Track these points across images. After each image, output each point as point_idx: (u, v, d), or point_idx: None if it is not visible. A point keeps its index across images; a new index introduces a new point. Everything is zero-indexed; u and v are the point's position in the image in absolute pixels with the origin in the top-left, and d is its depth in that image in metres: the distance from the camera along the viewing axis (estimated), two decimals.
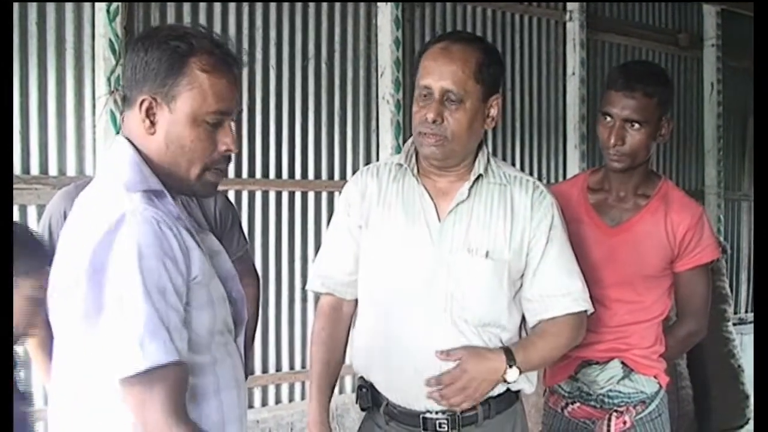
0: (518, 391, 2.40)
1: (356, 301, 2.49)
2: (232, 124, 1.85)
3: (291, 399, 4.73)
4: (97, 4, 3.98)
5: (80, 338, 1.71)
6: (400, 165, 2.40)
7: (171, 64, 1.76)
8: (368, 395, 2.42)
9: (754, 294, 6.22)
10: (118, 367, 1.64)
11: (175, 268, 1.69)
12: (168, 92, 1.77)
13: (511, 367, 2.26)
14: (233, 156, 1.91)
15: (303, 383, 4.62)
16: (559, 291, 2.35)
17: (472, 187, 2.33)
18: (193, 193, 1.92)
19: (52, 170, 3.94)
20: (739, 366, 5.96)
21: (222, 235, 2.83)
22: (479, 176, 2.34)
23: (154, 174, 1.79)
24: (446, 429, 2.31)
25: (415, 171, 2.37)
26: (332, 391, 2.49)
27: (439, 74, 2.24)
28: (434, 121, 2.23)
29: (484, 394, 2.28)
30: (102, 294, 1.64)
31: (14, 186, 3.61)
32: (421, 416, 2.33)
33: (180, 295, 1.70)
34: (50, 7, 3.93)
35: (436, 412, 2.31)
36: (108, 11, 3.95)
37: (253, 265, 3.11)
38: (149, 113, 1.78)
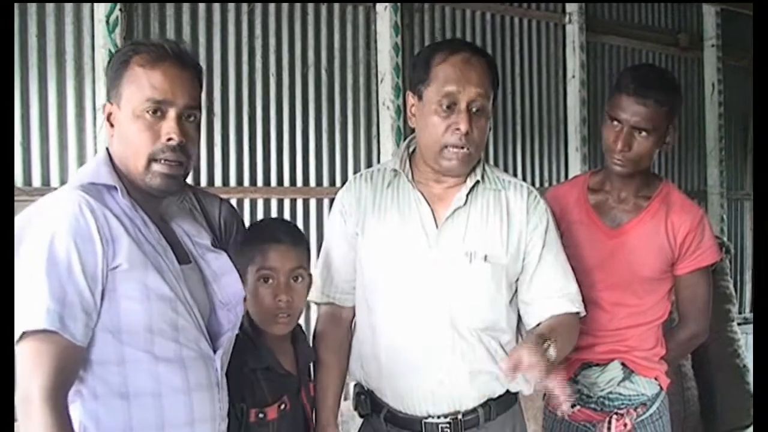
0: (516, 393, 2.41)
1: (354, 308, 2.49)
2: (172, 112, 1.89)
3: None
4: (96, 16, 3.99)
5: None
6: (395, 170, 2.40)
7: (118, 67, 1.90)
8: (367, 401, 2.43)
9: (753, 295, 6.20)
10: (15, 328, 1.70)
11: (88, 249, 1.74)
12: (117, 93, 1.90)
13: (549, 345, 2.14)
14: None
15: None
16: (557, 293, 2.36)
17: (468, 192, 2.34)
18: (147, 187, 1.92)
19: (54, 182, 3.94)
20: (744, 366, 5.94)
21: (227, 243, 2.82)
22: (476, 182, 2.35)
23: (114, 173, 1.90)
24: None
25: (410, 176, 2.38)
26: (341, 395, 2.49)
27: (466, 85, 2.25)
28: (467, 134, 2.24)
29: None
30: (17, 261, 1.73)
31: (16, 198, 3.62)
32: (422, 421, 2.33)
33: (90, 276, 1.74)
34: (50, 20, 3.95)
35: (438, 417, 2.32)
36: (107, 22, 3.97)
37: None
38: (110, 117, 1.92)
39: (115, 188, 1.87)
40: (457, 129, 2.25)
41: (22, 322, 1.68)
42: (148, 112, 1.87)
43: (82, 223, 1.76)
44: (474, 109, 2.26)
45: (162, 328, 1.83)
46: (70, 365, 1.72)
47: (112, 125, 1.92)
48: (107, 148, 1.96)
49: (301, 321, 4.70)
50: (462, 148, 2.26)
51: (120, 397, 1.78)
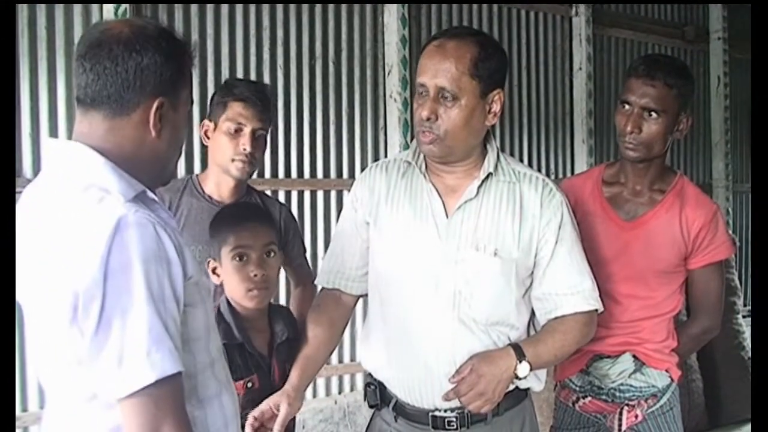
0: (527, 389, 2.41)
1: (359, 296, 2.51)
2: None
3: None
4: (105, 7, 4.01)
5: (79, 355, 1.59)
6: (409, 162, 2.41)
7: (179, 64, 1.72)
8: (376, 392, 2.43)
9: (752, 291, 6.19)
10: (122, 384, 1.54)
11: (174, 272, 1.61)
12: (176, 92, 1.73)
13: (521, 362, 2.25)
14: None
15: (314, 380, 4.64)
16: (568, 290, 2.34)
17: (480, 185, 2.32)
18: (162, 185, 1.87)
19: None
20: (749, 358, 5.97)
21: (285, 243, 2.96)
22: (488, 174, 2.33)
23: (132, 176, 1.69)
24: (455, 426, 2.32)
25: (423, 168, 2.38)
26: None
27: (434, 72, 2.23)
28: (428, 119, 2.23)
29: (502, 393, 2.28)
30: (110, 307, 1.54)
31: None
32: (430, 414, 2.33)
33: (178, 301, 1.62)
34: (59, 12, 3.97)
35: (445, 410, 2.32)
36: (116, 14, 3.98)
37: (310, 270, 3.18)
38: (162, 115, 1.71)
39: (146, 193, 1.71)
40: (421, 115, 2.26)
41: (148, 371, 1.53)
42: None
43: (161, 247, 1.59)
44: (445, 96, 2.23)
45: (212, 323, 1.79)
46: (183, 398, 1.62)
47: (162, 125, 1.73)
48: (90, 146, 1.69)
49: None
50: (429, 132, 2.25)
51: (199, 406, 1.72)
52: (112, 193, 1.63)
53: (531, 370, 2.28)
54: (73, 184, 1.66)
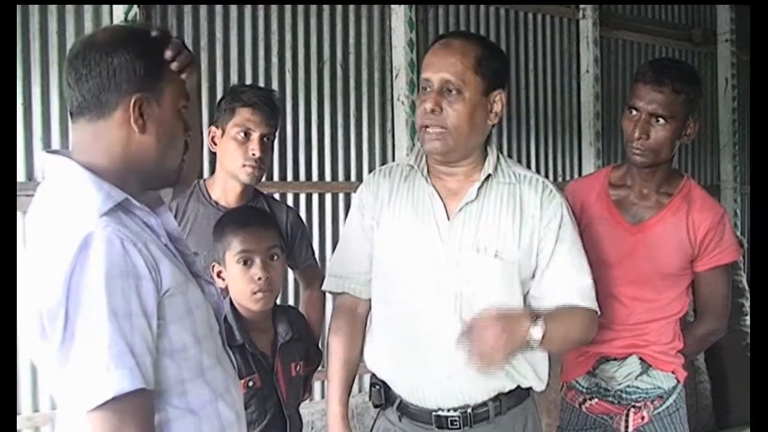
0: (529, 388, 2.42)
1: (369, 299, 2.52)
2: None
3: (310, 398, 4.77)
4: (115, 13, 4.03)
5: (56, 371, 1.61)
6: (411, 166, 2.43)
7: (156, 60, 1.74)
8: (381, 392, 2.45)
9: (750, 291, 6.17)
10: (83, 399, 1.56)
11: (144, 288, 1.61)
12: (156, 87, 1.73)
13: (536, 324, 2.22)
14: None
15: (322, 382, 4.66)
16: (567, 286, 2.36)
17: (481, 187, 2.35)
18: (171, 184, 1.89)
19: None
20: None
21: (292, 247, 3.01)
22: (488, 176, 2.36)
23: (120, 183, 1.71)
24: (458, 426, 2.34)
25: (425, 171, 2.40)
26: (351, 389, 2.51)
27: (439, 66, 2.27)
28: (433, 111, 2.26)
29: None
30: (72, 322, 1.56)
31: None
32: (433, 414, 2.35)
33: (149, 316, 1.61)
34: (69, 17, 3.99)
35: (448, 410, 2.34)
36: (126, 19, 4.01)
37: (321, 274, 3.19)
38: (142, 111, 1.72)
39: (129, 201, 1.71)
40: (425, 107, 2.28)
41: (106, 388, 1.54)
42: (183, 112, 1.82)
43: (130, 263, 1.60)
44: (449, 90, 2.26)
45: (205, 332, 1.78)
46: (153, 410, 1.64)
47: (144, 121, 1.73)
48: (78, 157, 1.72)
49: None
50: (433, 126, 2.27)
51: (190, 413, 1.72)
52: (88, 208, 1.64)
53: (543, 340, 2.23)
54: (57, 200, 1.69)
